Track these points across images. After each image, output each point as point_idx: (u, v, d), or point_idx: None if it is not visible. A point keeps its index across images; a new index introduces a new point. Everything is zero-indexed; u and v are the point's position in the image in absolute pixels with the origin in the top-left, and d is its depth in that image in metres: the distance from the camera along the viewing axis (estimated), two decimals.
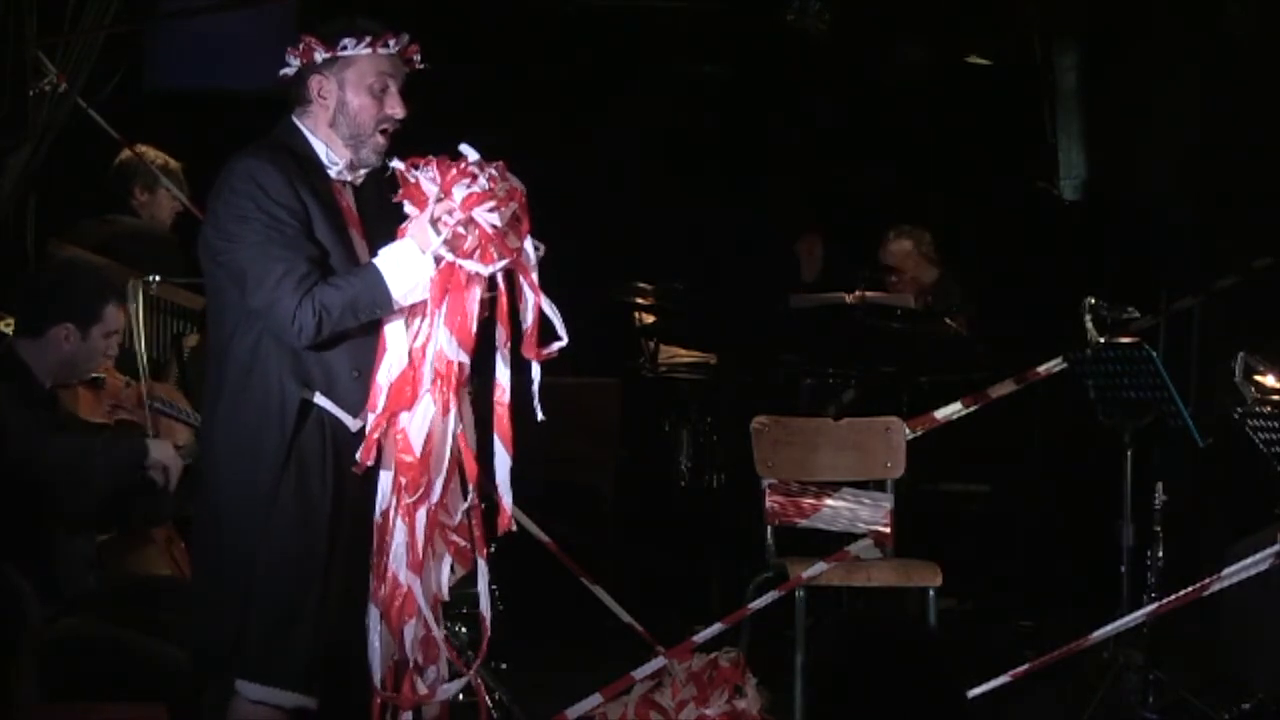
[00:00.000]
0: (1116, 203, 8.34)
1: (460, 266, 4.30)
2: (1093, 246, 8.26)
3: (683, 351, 8.21)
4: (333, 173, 4.49)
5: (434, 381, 4.35)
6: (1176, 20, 7.86)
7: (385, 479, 4.38)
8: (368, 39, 4.44)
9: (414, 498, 4.37)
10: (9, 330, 5.42)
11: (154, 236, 6.95)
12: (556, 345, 4.41)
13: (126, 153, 7.00)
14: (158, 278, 6.34)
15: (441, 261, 4.30)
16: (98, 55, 6.56)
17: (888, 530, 6.34)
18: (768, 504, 6.43)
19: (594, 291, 8.01)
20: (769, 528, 6.43)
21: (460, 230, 4.29)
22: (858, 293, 7.66)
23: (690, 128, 9.05)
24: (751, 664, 5.78)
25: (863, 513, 6.38)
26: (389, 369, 4.36)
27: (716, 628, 6.02)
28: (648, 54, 8.95)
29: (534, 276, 4.36)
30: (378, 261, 4.33)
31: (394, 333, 4.37)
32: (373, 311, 4.33)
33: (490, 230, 4.27)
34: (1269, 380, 6.14)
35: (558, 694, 5.89)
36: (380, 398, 4.34)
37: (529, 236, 4.38)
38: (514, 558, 6.42)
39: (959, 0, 8.62)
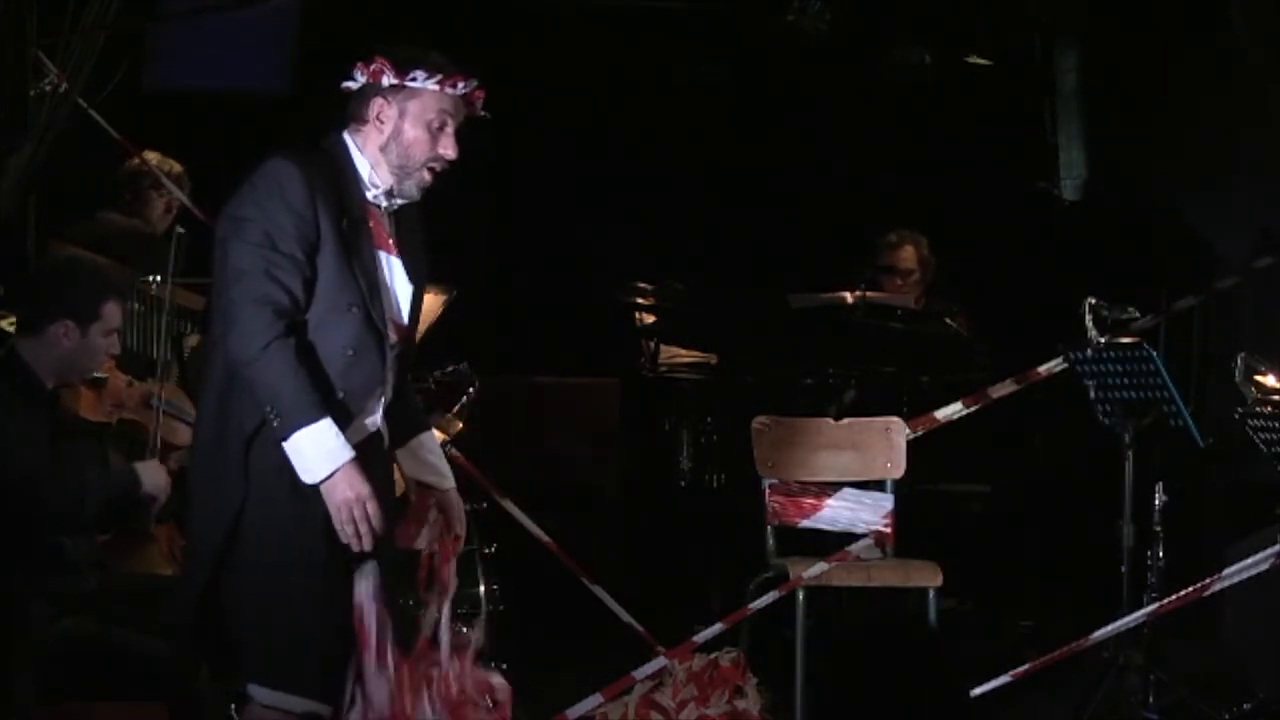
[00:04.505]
0: (1116, 203, 8.33)
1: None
2: (1093, 246, 8.26)
3: (683, 351, 8.19)
4: (370, 195, 4.44)
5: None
6: (1176, 20, 7.85)
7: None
8: (439, 75, 4.41)
9: None
10: (10, 329, 5.41)
11: (143, 236, 6.96)
12: None
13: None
14: (158, 277, 6.34)
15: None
16: (98, 55, 6.55)
17: (888, 530, 6.34)
18: (768, 504, 6.43)
19: (594, 291, 8.01)
20: (769, 528, 6.44)
21: None
22: (858, 293, 7.66)
23: (690, 127, 9.05)
24: (751, 664, 5.77)
25: (863, 513, 6.38)
26: None
27: (716, 628, 6.02)
28: (648, 54, 8.94)
29: None
30: (324, 418, 4.24)
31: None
32: (272, 415, 4.25)
33: None
34: (1269, 380, 6.14)
35: (558, 694, 5.90)
36: None
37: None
38: (514, 558, 6.43)
39: (959, 0, 8.61)
